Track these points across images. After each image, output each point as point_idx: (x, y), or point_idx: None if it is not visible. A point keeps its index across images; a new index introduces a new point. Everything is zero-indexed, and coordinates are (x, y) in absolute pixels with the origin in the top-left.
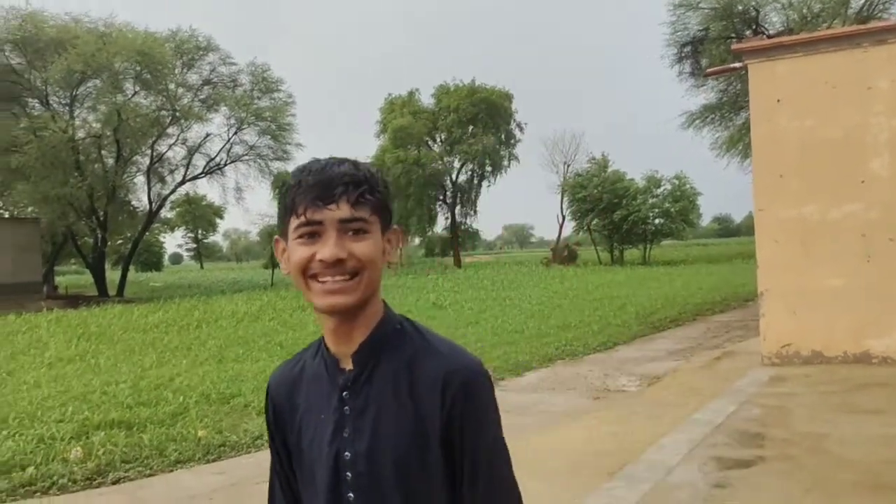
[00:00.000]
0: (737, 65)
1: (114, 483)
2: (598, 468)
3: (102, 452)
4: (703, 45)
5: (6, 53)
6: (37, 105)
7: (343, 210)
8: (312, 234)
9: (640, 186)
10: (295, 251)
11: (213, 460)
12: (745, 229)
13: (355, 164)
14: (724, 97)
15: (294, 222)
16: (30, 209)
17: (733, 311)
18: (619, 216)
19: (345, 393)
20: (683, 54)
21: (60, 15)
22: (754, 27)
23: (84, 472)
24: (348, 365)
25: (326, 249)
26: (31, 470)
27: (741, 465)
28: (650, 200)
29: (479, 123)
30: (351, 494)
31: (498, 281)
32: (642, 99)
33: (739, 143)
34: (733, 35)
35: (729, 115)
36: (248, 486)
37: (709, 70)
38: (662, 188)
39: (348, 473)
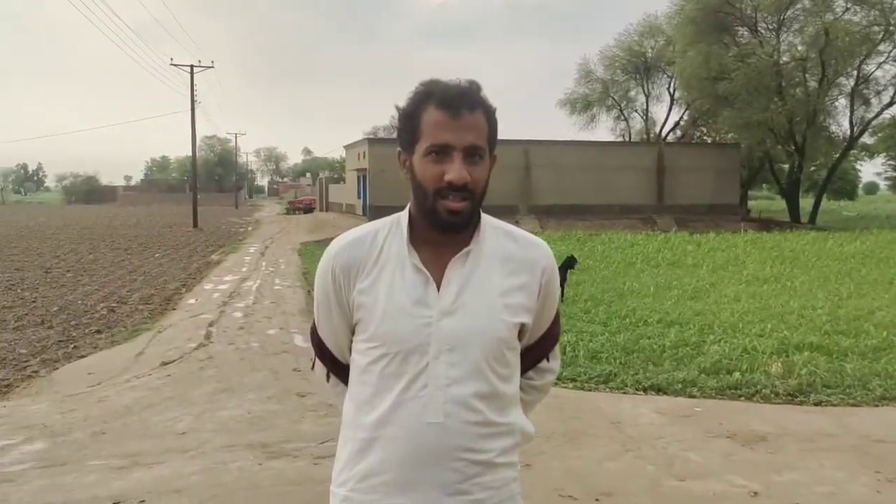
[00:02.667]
0: None
1: (815, 404)
2: None
3: (804, 372)
4: None
5: None
6: (745, 33)
7: None
8: None
9: None
10: None
11: None
12: None
13: None
14: None
15: None
16: (730, 135)
17: None
18: None
19: None
20: None
21: None
22: None
23: (785, 388)
24: None
25: None
26: (736, 375)
27: None
28: None
29: None
30: None
31: None
32: None
33: None
34: None
35: None
36: None
37: None
38: None
39: None
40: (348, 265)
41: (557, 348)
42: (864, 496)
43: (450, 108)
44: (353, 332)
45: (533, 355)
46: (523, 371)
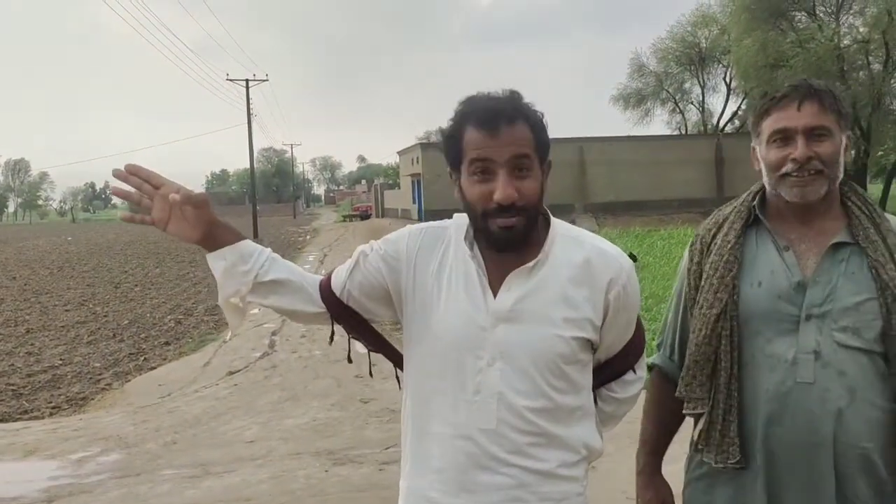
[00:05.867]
0: None
1: None
2: None
3: None
4: None
5: None
6: (803, 18)
7: None
8: None
9: None
10: None
11: None
12: None
13: None
14: None
15: None
16: None
17: None
18: None
19: None
20: None
21: None
22: None
23: None
24: None
25: None
26: None
27: None
28: None
29: None
30: None
31: None
32: None
33: None
34: None
35: None
36: None
37: None
38: None
39: None
40: (426, 247)
41: (643, 358)
42: None
43: (487, 125)
44: (373, 300)
45: (614, 368)
46: (604, 383)
